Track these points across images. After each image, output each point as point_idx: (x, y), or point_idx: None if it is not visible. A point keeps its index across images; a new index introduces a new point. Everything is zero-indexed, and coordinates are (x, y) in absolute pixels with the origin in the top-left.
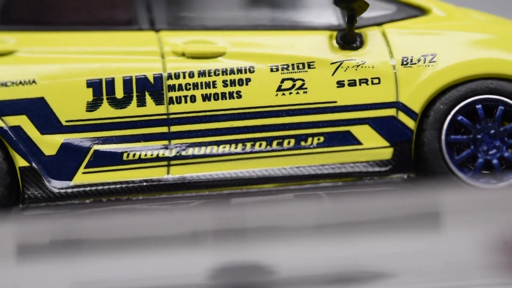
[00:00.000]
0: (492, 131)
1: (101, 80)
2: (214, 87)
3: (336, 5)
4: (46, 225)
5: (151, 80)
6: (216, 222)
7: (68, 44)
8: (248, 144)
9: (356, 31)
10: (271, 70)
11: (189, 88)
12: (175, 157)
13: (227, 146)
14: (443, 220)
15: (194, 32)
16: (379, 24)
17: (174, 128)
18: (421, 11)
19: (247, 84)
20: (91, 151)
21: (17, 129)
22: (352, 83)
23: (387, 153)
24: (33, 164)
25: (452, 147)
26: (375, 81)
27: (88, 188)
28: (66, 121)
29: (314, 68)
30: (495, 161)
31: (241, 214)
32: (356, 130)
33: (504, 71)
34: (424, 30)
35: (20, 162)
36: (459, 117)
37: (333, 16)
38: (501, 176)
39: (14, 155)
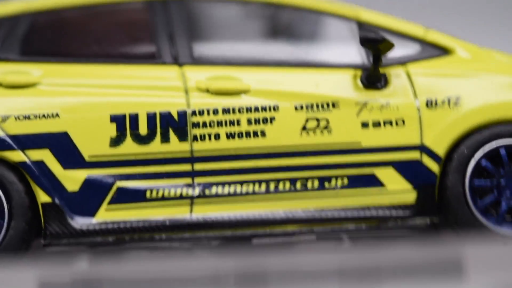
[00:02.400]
0: None
1: (124, 115)
2: (238, 125)
3: (361, 45)
4: (67, 263)
5: (175, 116)
6: (237, 265)
7: (92, 77)
8: (272, 184)
9: (380, 70)
10: (296, 109)
11: (213, 126)
12: (198, 196)
13: (251, 185)
14: (466, 269)
15: (218, 67)
16: (403, 63)
17: (198, 166)
18: (444, 51)
19: (271, 123)
20: (115, 188)
21: (40, 164)
22: (377, 124)
23: (410, 196)
24: (56, 200)
25: (475, 192)
26: (400, 122)
27: (111, 226)
28: (90, 156)
29: (339, 108)
30: None
31: (262, 257)
32: (380, 172)
33: None
34: (448, 71)
35: (43, 197)
36: (483, 161)
37: (357, 55)
38: None
39: (36, 190)
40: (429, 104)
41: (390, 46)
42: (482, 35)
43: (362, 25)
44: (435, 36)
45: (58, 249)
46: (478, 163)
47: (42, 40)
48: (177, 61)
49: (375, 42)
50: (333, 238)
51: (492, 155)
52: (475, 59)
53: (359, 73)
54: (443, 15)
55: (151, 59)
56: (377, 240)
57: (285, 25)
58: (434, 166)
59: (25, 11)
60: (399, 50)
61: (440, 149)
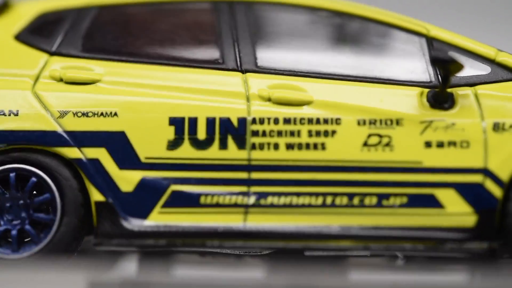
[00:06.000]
0: None
1: (183, 118)
2: (298, 136)
3: (432, 65)
4: (116, 265)
5: (235, 123)
6: (287, 277)
7: (152, 78)
8: (329, 198)
9: (448, 90)
10: (358, 123)
11: (273, 135)
12: (253, 205)
13: (307, 198)
14: None
15: (281, 76)
16: (472, 85)
17: (255, 175)
18: None
19: (332, 136)
20: (169, 191)
21: (95, 162)
22: (440, 145)
23: (470, 220)
24: (109, 199)
25: None
26: (464, 144)
27: (163, 229)
28: (146, 158)
29: (403, 125)
30: None
31: (313, 271)
32: (440, 193)
33: None
34: None
35: (96, 196)
36: None
37: (425, 73)
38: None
39: (90, 188)
40: (496, 127)
41: (460, 67)
42: (482, 35)
43: (431, 41)
44: (506, 58)
45: (108, 249)
46: None
47: (104, 36)
48: (240, 68)
49: (446, 63)
50: (387, 256)
51: None
52: None
53: (426, 91)
54: (442, 15)
55: (214, 64)
56: (433, 261)
57: (352, 36)
58: (496, 191)
59: (89, 4)
60: (468, 70)
61: (504, 174)
